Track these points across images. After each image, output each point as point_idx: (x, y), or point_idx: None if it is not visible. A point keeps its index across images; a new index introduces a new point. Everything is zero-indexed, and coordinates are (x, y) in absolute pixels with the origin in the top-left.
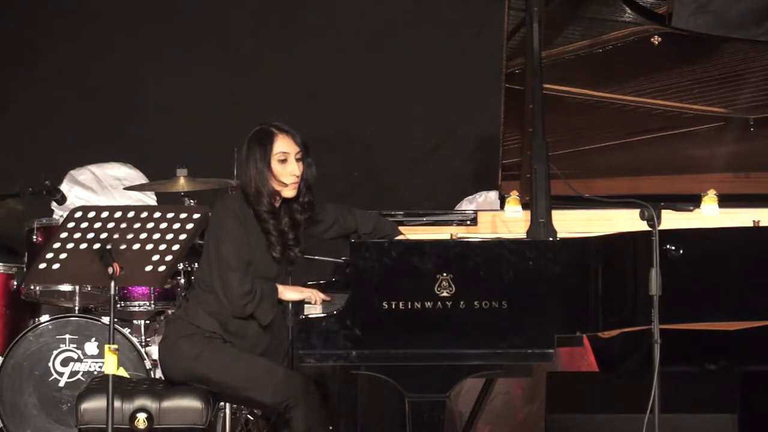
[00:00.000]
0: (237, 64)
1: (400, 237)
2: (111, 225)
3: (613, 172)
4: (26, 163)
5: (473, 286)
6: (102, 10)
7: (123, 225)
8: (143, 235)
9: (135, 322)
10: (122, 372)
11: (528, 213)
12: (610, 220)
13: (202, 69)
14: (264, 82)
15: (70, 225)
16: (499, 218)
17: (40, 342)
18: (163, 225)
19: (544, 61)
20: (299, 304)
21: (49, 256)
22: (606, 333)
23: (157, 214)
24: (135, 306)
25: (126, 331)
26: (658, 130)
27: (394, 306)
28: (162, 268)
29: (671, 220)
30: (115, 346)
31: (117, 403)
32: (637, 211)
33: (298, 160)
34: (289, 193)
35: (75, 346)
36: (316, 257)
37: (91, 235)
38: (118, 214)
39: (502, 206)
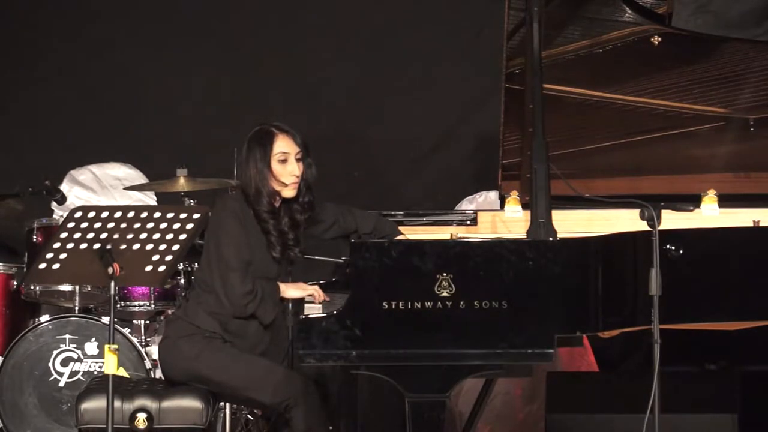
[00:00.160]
0: (237, 64)
1: (400, 237)
2: (111, 225)
3: (613, 172)
4: (26, 163)
5: (473, 286)
6: (102, 10)
7: (123, 225)
8: (143, 235)
9: (135, 322)
10: (122, 372)
11: (528, 213)
12: (610, 220)
13: (202, 69)
14: (264, 82)
15: (70, 225)
16: (499, 218)
17: (40, 342)
18: (163, 225)
19: (544, 61)
20: (299, 304)
21: (49, 256)
22: (606, 333)
23: (157, 214)
24: (135, 306)
25: (126, 331)
26: (658, 130)
27: (394, 306)
28: (162, 268)
29: (671, 220)
30: (115, 346)
31: (117, 403)
32: (637, 211)
33: (298, 160)
34: (289, 193)
35: (75, 346)
36: (316, 257)
37: (91, 235)
38: (118, 214)
39: (502, 206)
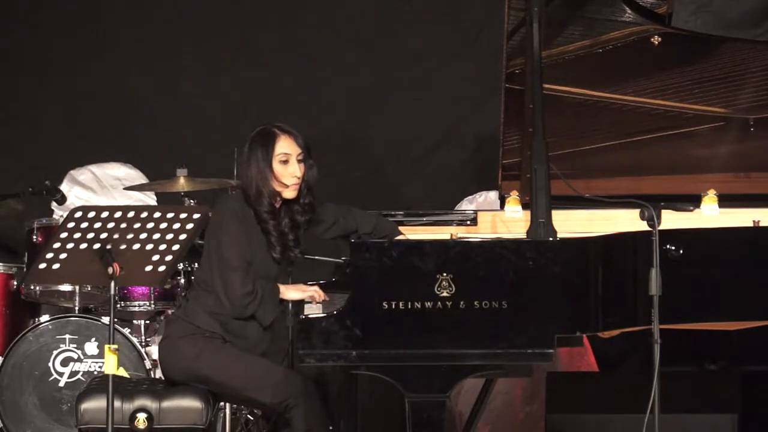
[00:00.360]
0: (237, 64)
1: (400, 237)
2: (111, 225)
3: (613, 172)
4: (26, 163)
5: (473, 286)
6: (102, 10)
7: (123, 225)
8: (143, 235)
9: (135, 322)
10: (122, 372)
11: (528, 213)
12: (610, 220)
13: (202, 69)
14: (264, 82)
15: (70, 225)
16: (499, 218)
17: (40, 342)
18: (163, 225)
19: (544, 61)
20: (299, 304)
21: (49, 256)
22: (606, 333)
23: (157, 214)
24: (135, 306)
25: (126, 331)
26: (658, 130)
27: (394, 306)
28: (162, 268)
29: (671, 220)
30: (115, 346)
31: (117, 403)
32: (637, 211)
33: (299, 161)
34: (289, 194)
35: (75, 346)
36: (316, 257)
37: (91, 235)
38: (118, 214)
39: (502, 206)
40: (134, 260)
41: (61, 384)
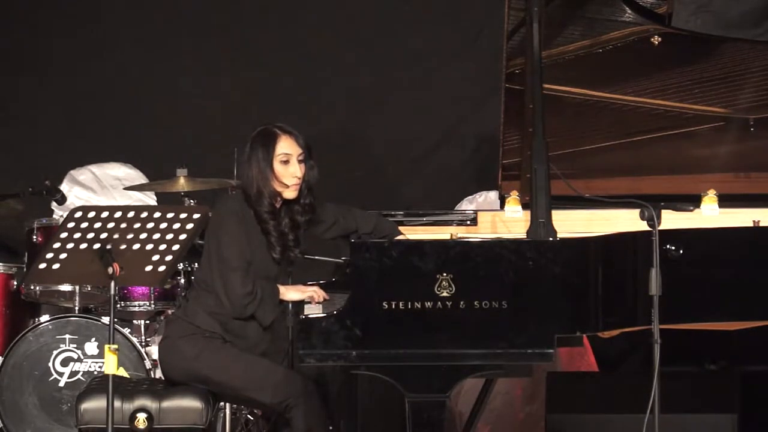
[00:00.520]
0: (237, 64)
1: (400, 237)
2: (111, 225)
3: (613, 172)
4: (26, 163)
5: (473, 286)
6: (102, 9)
7: (123, 225)
8: (143, 235)
9: (135, 322)
10: (122, 372)
11: (528, 213)
12: (610, 220)
13: (202, 69)
14: (264, 82)
15: (70, 225)
16: (499, 218)
17: (40, 342)
18: (163, 225)
19: (544, 61)
20: (299, 304)
21: (49, 256)
22: (606, 333)
23: (157, 214)
24: (135, 306)
25: (126, 331)
26: (658, 130)
27: (394, 306)
28: (162, 268)
29: (671, 220)
30: (115, 346)
31: (117, 403)
32: (637, 211)
33: (300, 161)
34: (290, 194)
35: (75, 346)
36: (316, 257)
37: (91, 235)
38: (118, 214)
39: (502, 206)
40: (134, 260)
41: (61, 384)
